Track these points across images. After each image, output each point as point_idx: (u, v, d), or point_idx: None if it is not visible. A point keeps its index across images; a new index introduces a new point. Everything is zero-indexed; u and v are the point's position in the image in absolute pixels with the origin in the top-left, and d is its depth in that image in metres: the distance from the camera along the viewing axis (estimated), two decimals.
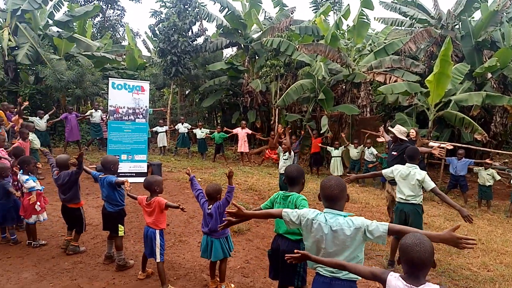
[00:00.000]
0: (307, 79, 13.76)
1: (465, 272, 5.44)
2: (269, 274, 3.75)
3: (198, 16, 15.59)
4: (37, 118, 11.44)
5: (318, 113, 14.40)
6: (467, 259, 6.03)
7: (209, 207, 4.19)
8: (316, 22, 14.15)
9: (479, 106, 12.18)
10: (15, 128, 9.35)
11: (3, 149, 6.55)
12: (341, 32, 14.10)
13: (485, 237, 7.25)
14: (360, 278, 2.48)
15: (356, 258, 2.51)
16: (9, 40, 13.72)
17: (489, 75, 12.90)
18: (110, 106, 9.17)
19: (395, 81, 11.60)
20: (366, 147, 11.60)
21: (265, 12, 19.21)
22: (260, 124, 16.76)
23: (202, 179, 10.32)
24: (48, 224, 6.04)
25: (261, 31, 16.02)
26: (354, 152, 11.84)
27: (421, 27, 14.46)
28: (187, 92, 20.52)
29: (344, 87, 13.73)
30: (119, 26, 30.68)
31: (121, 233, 4.67)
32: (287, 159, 7.30)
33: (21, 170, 5.33)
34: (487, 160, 9.85)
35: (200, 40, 16.43)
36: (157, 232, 4.26)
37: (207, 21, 16.22)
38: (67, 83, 14.09)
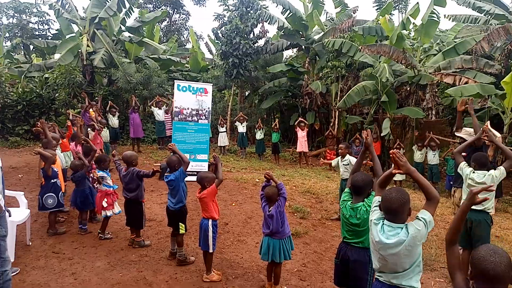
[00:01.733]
0: (369, 81, 13.38)
1: None
2: (334, 281, 3.75)
3: (260, 18, 15.80)
4: (110, 115, 12.37)
5: (380, 116, 13.94)
6: None
7: (269, 209, 4.26)
8: (380, 22, 13.69)
9: None
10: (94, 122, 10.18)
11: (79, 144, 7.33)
12: (408, 32, 13.50)
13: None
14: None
15: (418, 265, 2.46)
16: (88, 45, 14.90)
17: None
18: (175, 107, 9.62)
19: (466, 82, 10.89)
20: (431, 150, 11.04)
21: (327, 12, 18.99)
22: (319, 126, 16.59)
23: (259, 180, 10.47)
24: (118, 217, 6.50)
25: (323, 32, 15.85)
26: (418, 154, 11.35)
27: (497, 24, 13.42)
28: (247, 93, 20.88)
29: (408, 89, 13.16)
30: (184, 29, 32.00)
31: (182, 231, 4.89)
32: (347, 164, 7.16)
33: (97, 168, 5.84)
34: None
35: (261, 42, 16.65)
36: (210, 222, 4.44)
37: (268, 23, 16.38)
38: (136, 84, 14.98)
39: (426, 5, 13.11)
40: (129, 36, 16.69)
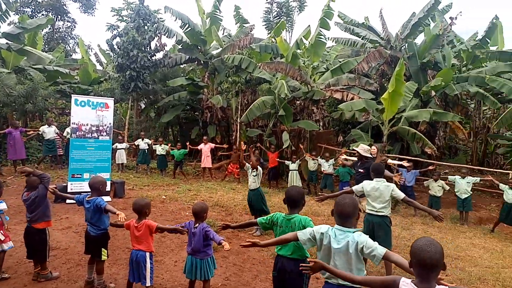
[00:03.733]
0: (268, 96, 14.16)
1: None
2: None
3: (158, 31, 15.56)
4: None
5: (278, 128, 14.81)
6: None
7: (195, 226, 4.24)
8: (276, 41, 14.63)
9: (426, 122, 13.19)
10: None
11: None
12: (301, 51, 14.71)
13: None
14: None
15: (362, 271, 2.75)
16: None
17: (433, 93, 14.02)
18: (72, 123, 8.90)
19: (352, 98, 12.29)
20: (325, 160, 12.11)
21: (225, 29, 19.52)
22: (220, 139, 16.89)
23: (166, 196, 10.24)
24: (13, 250, 5.74)
25: (221, 48, 16.27)
26: (311, 163, 12.35)
27: (371, 47, 15.45)
28: (142, 107, 20.19)
29: (302, 103, 14.27)
30: (69, 38, 29.61)
31: (104, 257, 4.57)
32: (256, 175, 7.49)
33: None
34: (430, 167, 10.77)
35: (159, 55, 16.37)
36: (147, 255, 4.24)
37: (166, 37, 16.22)
38: (17, 98, 13.40)
39: (314, 27, 14.51)
40: (6, 43, 14.87)
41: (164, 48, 16.19)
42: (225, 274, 5.52)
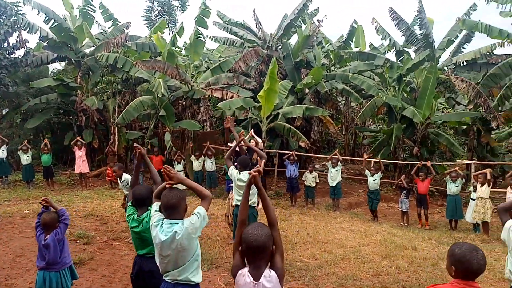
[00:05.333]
0: (147, 96, 13.60)
1: (298, 264, 6.23)
2: None
3: (16, 26, 13.76)
4: None
5: (160, 130, 14.35)
6: (299, 252, 6.90)
7: (45, 238, 3.82)
8: (153, 38, 14.11)
9: (301, 117, 14.10)
10: None
11: None
12: (178, 49, 14.44)
13: (312, 231, 8.40)
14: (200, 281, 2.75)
15: (196, 259, 2.75)
16: None
17: (307, 90, 15.08)
18: None
19: (231, 97, 12.50)
20: (208, 158, 12.10)
21: (99, 25, 18.19)
22: (98, 144, 15.65)
23: (30, 210, 9.09)
24: None
25: (95, 46, 15.11)
26: (196, 163, 12.25)
27: (250, 47, 15.96)
28: (4, 112, 17.72)
29: (184, 103, 14.05)
30: None
31: None
32: (126, 185, 7.08)
33: None
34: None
35: (19, 53, 14.51)
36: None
37: (28, 32, 14.41)
38: None
39: (193, 25, 14.38)
40: None
41: (25, 45, 14.40)
42: (91, 287, 5.07)
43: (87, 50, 15.57)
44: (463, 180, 9.73)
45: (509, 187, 8.69)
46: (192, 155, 12.45)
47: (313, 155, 15.54)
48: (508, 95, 12.87)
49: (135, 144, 3.96)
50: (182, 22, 13.94)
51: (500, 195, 11.44)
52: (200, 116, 14.32)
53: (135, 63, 12.76)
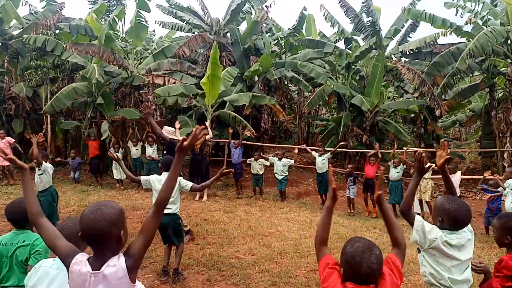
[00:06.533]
0: (82, 82, 12.54)
1: (233, 261, 5.78)
2: None
3: None
4: None
5: (99, 119, 13.35)
6: (236, 247, 6.45)
7: None
8: (88, 20, 13.02)
9: (250, 106, 13.59)
10: None
11: None
12: (117, 32, 13.43)
13: (254, 223, 8.00)
14: None
15: None
16: None
17: (256, 78, 14.61)
18: None
19: (174, 83, 11.77)
20: (149, 145, 11.33)
21: (30, 6, 16.64)
22: (31, 134, 14.35)
23: None
24: None
25: (23, 28, 13.75)
26: (133, 150, 11.58)
27: (198, 33, 15.20)
28: None
29: (124, 90, 13.14)
30: None
31: None
32: (42, 174, 6.29)
33: None
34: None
35: None
36: None
37: None
38: None
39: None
40: None
41: None
42: None
43: (15, 32, 14.17)
44: (404, 166, 9.68)
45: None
46: (130, 141, 11.68)
47: (266, 144, 15.20)
48: (451, 84, 13.09)
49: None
50: (121, 4, 12.89)
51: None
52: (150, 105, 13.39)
53: (65, 46, 11.64)
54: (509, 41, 12.27)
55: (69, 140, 15.70)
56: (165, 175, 4.98)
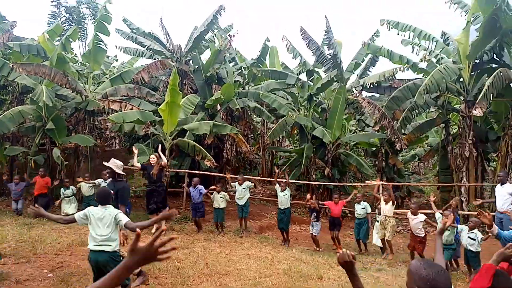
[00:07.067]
0: (29, 106, 11.69)
1: None
2: None
3: None
4: None
5: (49, 146, 12.42)
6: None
7: None
8: (39, 41, 12.32)
9: (212, 135, 13.17)
10: None
11: None
12: (73, 56, 12.79)
13: (212, 260, 7.43)
14: None
15: None
16: None
17: (219, 107, 14.32)
18: None
19: (131, 109, 11.21)
20: (103, 180, 10.50)
21: None
22: None
23: None
24: None
25: None
26: (85, 187, 10.52)
27: (160, 59, 14.83)
28: None
29: (77, 115, 12.38)
30: None
31: None
32: None
33: None
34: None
35: None
36: None
37: None
38: None
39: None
40: None
41: None
42: None
43: None
44: (366, 204, 9.60)
45: (409, 213, 8.58)
46: (80, 178, 10.62)
47: (228, 175, 14.69)
48: (409, 118, 13.38)
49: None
50: (76, 26, 12.33)
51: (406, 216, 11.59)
52: (108, 133, 12.73)
53: (12, 65, 10.85)
54: (461, 79, 12.78)
55: (15, 168, 14.49)
56: (101, 208, 4.45)
